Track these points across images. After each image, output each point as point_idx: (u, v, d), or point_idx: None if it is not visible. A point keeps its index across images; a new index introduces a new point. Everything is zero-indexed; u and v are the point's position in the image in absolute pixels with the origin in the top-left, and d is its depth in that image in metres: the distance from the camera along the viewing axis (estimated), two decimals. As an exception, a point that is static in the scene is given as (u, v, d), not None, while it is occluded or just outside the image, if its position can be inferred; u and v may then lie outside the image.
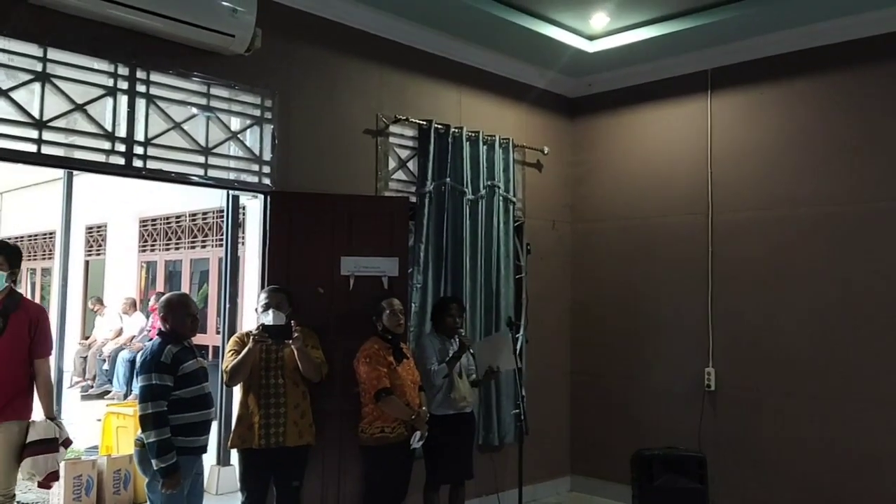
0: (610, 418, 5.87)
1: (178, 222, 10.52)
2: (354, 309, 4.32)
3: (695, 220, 5.47)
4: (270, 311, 3.75)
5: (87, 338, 10.79)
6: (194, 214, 10.14)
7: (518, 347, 5.59)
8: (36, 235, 13.48)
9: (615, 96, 5.99)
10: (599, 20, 5.14)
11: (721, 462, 5.08)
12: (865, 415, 4.63)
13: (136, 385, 3.67)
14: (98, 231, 12.10)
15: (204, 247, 10.05)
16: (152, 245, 11.03)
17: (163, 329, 3.58)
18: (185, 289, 10.13)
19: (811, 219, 4.92)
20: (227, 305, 5.65)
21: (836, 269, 4.80)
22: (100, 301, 10.63)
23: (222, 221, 9.07)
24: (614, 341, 5.90)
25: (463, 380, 4.55)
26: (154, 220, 10.95)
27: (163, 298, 3.69)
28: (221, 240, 9.22)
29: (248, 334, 3.82)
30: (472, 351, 4.59)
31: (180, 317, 3.55)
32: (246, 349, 3.72)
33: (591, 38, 5.43)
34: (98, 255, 12.10)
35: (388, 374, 3.94)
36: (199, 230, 10.15)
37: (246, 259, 6.60)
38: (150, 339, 8.96)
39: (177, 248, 10.57)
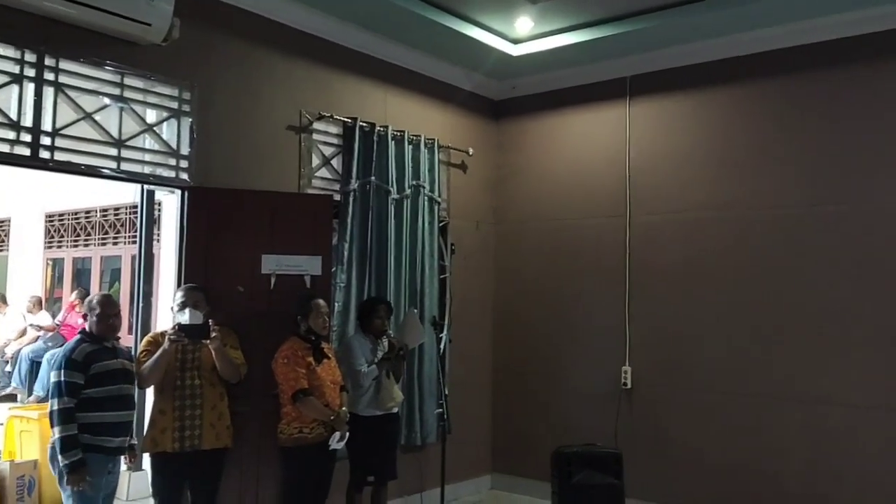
0: (531, 416, 5.97)
1: (87, 218, 10.04)
2: (275, 308, 4.24)
3: (614, 222, 5.62)
4: (187, 310, 3.67)
5: (-14, 339, 10.16)
6: (105, 210, 9.70)
7: (441, 347, 5.64)
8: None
9: (539, 100, 6.10)
10: (524, 24, 5.22)
11: (637, 457, 5.23)
12: (770, 409, 4.86)
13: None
14: (0, 226, 11.43)
15: (116, 244, 9.63)
16: (59, 241, 10.50)
17: (84, 328, 3.58)
18: (94, 287, 9.70)
19: (724, 222, 5.13)
20: (141, 304, 5.42)
21: (747, 272, 5.02)
22: (2, 299, 10.02)
23: (136, 218, 8.79)
24: (536, 340, 6.00)
25: (391, 380, 4.53)
26: (62, 215, 10.42)
27: (87, 299, 3.70)
28: (135, 237, 8.90)
29: (162, 334, 3.71)
30: (402, 353, 4.55)
31: (99, 316, 3.53)
32: (160, 349, 3.61)
33: (515, 41, 5.51)
34: (0, 251, 11.43)
35: (307, 374, 3.88)
36: (110, 226, 9.73)
37: (161, 257, 6.36)
38: (56, 338, 8.65)
39: (86, 245, 10.09)
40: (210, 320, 3.70)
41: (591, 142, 5.81)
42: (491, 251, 6.29)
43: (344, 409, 4.06)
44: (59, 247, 10.49)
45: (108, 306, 3.58)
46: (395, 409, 4.62)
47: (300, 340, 3.99)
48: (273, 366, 3.93)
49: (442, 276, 5.78)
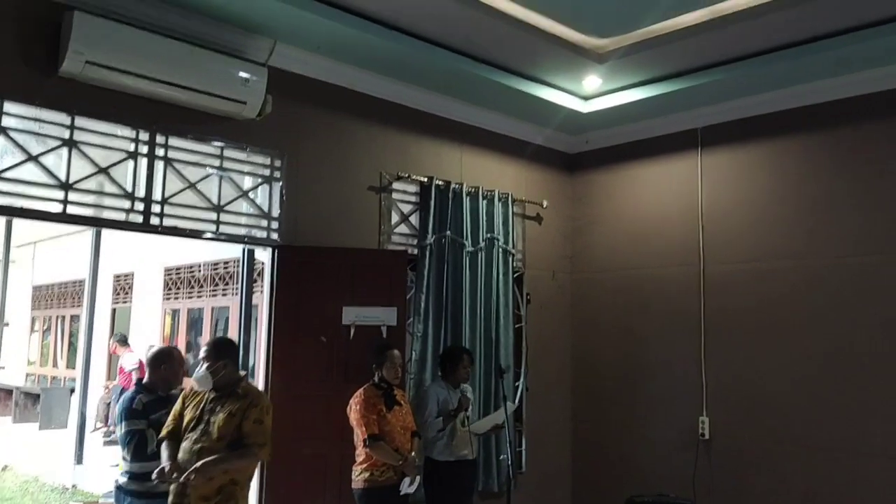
0: (609, 465, 5.98)
1: (200, 271, 10.90)
2: (354, 357, 4.56)
3: (687, 271, 5.65)
4: (201, 370, 3.48)
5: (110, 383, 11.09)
6: (216, 264, 10.51)
7: (518, 395, 5.79)
8: (66, 283, 13.98)
9: (611, 152, 6.26)
10: (592, 82, 5.44)
11: (716, 510, 5.15)
12: (852, 466, 4.70)
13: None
14: (125, 279, 12.53)
15: (225, 294, 10.39)
16: (176, 293, 11.41)
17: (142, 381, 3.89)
18: (205, 334, 10.44)
19: (798, 272, 5.08)
20: (243, 354, 5.91)
21: (822, 321, 4.93)
22: (122, 341, 10.59)
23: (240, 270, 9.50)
24: (613, 389, 6.04)
25: (465, 428, 4.72)
26: (178, 268, 11.35)
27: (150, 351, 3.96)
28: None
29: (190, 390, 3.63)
30: (468, 414, 4.72)
31: (152, 369, 3.84)
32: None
33: (585, 98, 5.72)
34: (125, 302, 12.51)
35: (379, 420, 4.13)
36: (220, 278, 10.51)
37: (262, 307, 6.88)
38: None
39: (199, 297, 10.93)
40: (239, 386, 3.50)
41: (664, 192, 5.90)
42: (567, 300, 6.43)
43: (413, 454, 4.26)
44: (176, 298, 11.39)
45: (167, 360, 3.83)
46: (470, 457, 4.77)
47: (373, 388, 4.27)
48: (348, 412, 4.22)
49: (517, 325, 5.96)
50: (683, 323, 5.62)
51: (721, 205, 5.55)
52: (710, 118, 5.60)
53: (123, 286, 12.60)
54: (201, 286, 10.90)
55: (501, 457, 5.29)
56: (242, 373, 3.75)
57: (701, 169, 5.68)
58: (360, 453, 4.16)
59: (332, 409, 4.45)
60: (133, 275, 12.30)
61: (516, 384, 5.79)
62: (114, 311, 12.74)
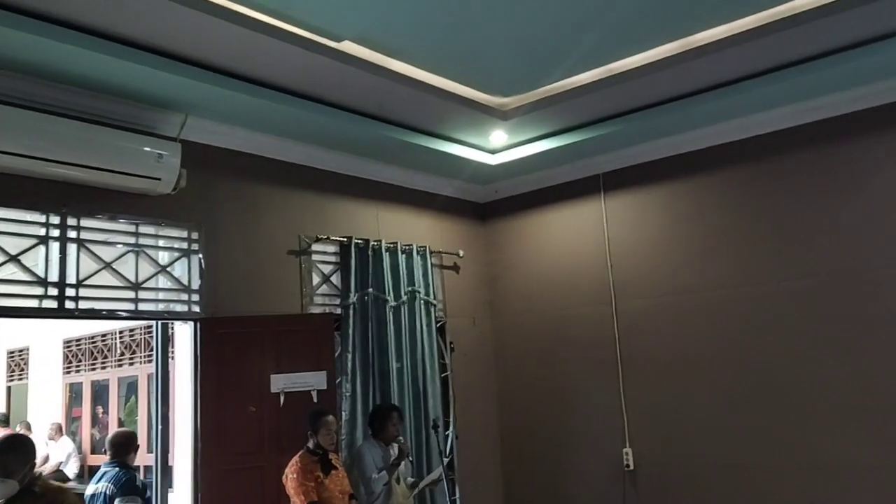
0: (542, 501, 6.12)
1: (103, 341, 10.42)
2: (285, 424, 4.52)
3: (601, 309, 5.94)
4: None
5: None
6: (122, 332, 10.08)
7: (448, 445, 5.87)
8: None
9: (521, 200, 6.54)
10: (498, 137, 5.70)
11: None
12: (769, 482, 5.04)
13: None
14: (20, 355, 11.80)
15: (132, 364, 9.97)
16: (77, 366, 10.84)
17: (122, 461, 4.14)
18: (112, 406, 9.98)
19: (703, 302, 5.44)
20: (160, 427, 5.71)
21: (725, 347, 5.30)
22: (28, 427, 10.24)
23: (150, 337, 9.15)
24: (541, 428, 6.22)
25: (401, 485, 4.75)
26: (79, 340, 10.80)
27: (113, 436, 4.23)
28: (150, 356, 9.26)
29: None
30: (410, 458, 4.79)
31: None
32: None
33: (492, 151, 5.98)
34: (20, 379, 11.76)
35: (316, 487, 4.12)
36: (125, 347, 10.08)
37: (176, 375, 6.66)
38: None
39: (103, 368, 10.42)
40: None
41: (573, 235, 6.20)
42: (489, 345, 6.60)
43: (352, 518, 4.28)
44: (78, 371, 10.81)
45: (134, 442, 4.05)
46: (406, 512, 4.82)
47: (308, 455, 4.26)
48: (284, 481, 4.18)
49: (444, 375, 6.06)
50: (601, 358, 5.89)
51: (626, 245, 5.89)
52: (609, 164, 5.97)
53: (18, 362, 11.86)
54: (105, 357, 10.41)
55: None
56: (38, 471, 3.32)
57: (605, 212, 6.02)
58: (301, 522, 4.12)
59: (265, 480, 4.40)
60: (28, 349, 11.61)
61: (446, 433, 5.87)
62: (9, 388, 11.94)
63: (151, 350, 9.10)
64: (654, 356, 5.63)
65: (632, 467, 5.64)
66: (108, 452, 4.23)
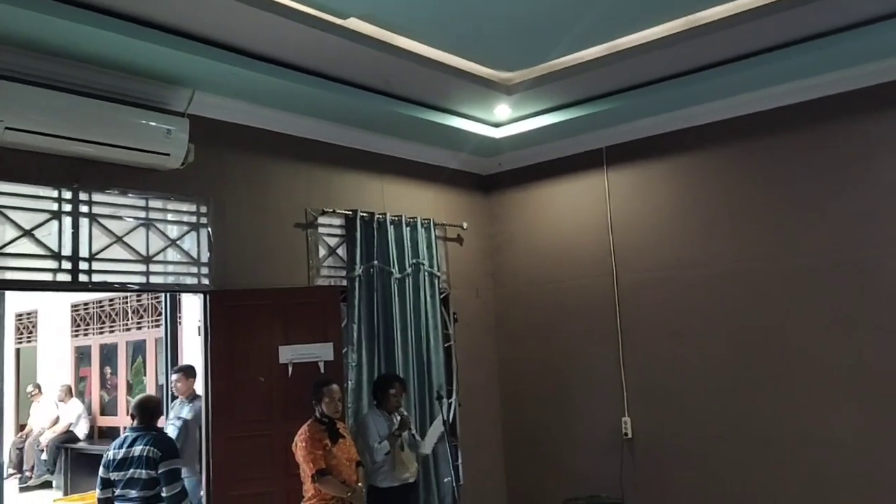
0: (542, 471, 6.31)
1: (111, 305, 10.56)
2: (294, 394, 4.66)
3: (602, 281, 6.04)
4: None
5: (23, 427, 10.63)
6: (127, 297, 10.21)
7: (451, 412, 6.02)
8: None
9: (524, 173, 6.59)
10: (502, 111, 5.73)
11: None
12: (760, 452, 5.18)
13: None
14: (28, 318, 11.97)
15: (139, 328, 10.12)
16: (85, 329, 11.00)
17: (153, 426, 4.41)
18: (121, 368, 10.16)
19: (702, 277, 5.53)
20: (169, 392, 5.90)
21: (726, 321, 5.39)
22: (38, 388, 10.55)
23: (157, 302, 9.29)
24: (541, 398, 6.37)
25: (405, 452, 4.90)
26: (86, 304, 10.95)
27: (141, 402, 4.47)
28: (157, 321, 9.40)
29: None
30: (413, 432, 4.94)
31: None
32: None
33: (496, 125, 6.01)
34: (29, 342, 11.95)
35: (325, 455, 4.27)
36: (133, 312, 10.23)
37: (184, 337, 6.81)
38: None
39: (111, 331, 10.59)
40: None
41: (576, 208, 6.27)
42: (491, 315, 6.71)
43: (360, 484, 4.43)
44: (86, 334, 10.98)
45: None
46: (411, 479, 4.96)
47: (316, 423, 4.40)
48: (293, 449, 4.34)
49: (447, 345, 6.19)
50: (601, 330, 6.01)
51: (628, 218, 5.96)
52: (613, 138, 6.00)
53: (27, 325, 12.03)
54: (113, 321, 10.57)
55: (446, 479, 5.51)
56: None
57: (608, 185, 6.07)
58: (308, 489, 4.28)
59: (275, 447, 4.56)
60: (37, 312, 11.77)
61: (449, 401, 6.02)
62: (17, 350, 12.14)
63: (159, 315, 9.32)
64: (654, 329, 5.75)
65: (630, 436, 5.79)
66: (136, 417, 4.38)
